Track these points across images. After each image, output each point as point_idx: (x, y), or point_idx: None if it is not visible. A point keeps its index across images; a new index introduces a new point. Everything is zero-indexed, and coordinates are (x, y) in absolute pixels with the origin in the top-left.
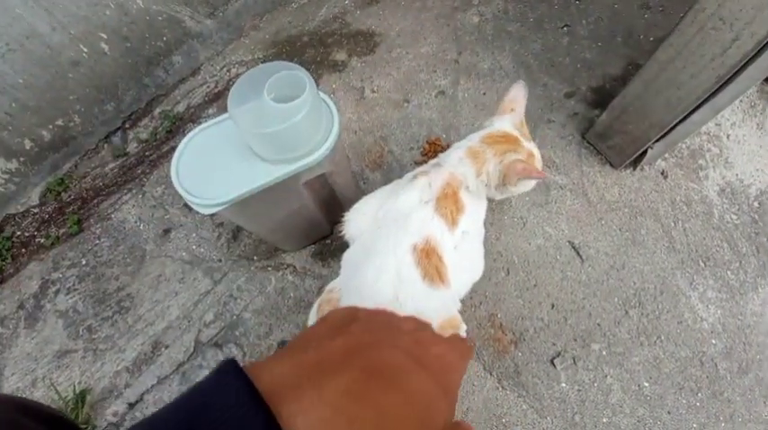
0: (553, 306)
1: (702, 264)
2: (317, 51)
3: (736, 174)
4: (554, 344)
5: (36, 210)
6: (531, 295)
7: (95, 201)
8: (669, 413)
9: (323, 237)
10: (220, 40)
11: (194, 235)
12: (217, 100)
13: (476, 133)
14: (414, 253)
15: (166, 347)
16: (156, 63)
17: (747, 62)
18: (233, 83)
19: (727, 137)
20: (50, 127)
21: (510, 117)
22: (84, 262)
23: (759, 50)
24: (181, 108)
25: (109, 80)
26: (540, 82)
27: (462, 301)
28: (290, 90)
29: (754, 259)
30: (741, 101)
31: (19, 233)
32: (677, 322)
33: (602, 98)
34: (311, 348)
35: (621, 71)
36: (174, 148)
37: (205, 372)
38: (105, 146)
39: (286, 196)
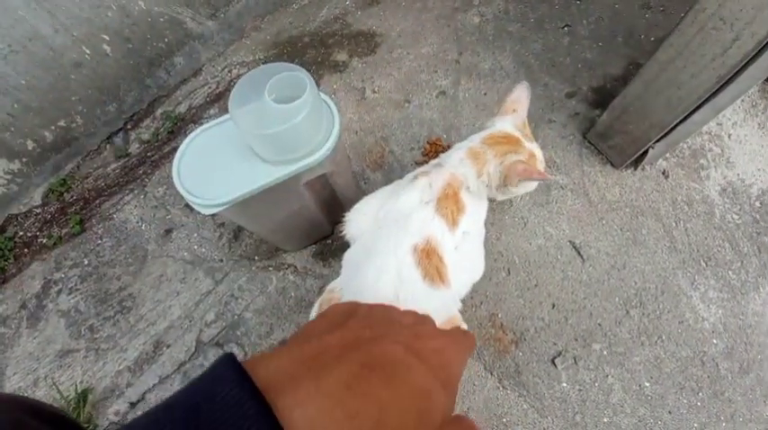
0: (554, 306)
1: (704, 264)
2: (317, 52)
3: (738, 174)
4: (555, 344)
5: (38, 211)
6: (532, 295)
7: (97, 201)
8: (670, 413)
9: (324, 237)
10: (222, 41)
11: (196, 235)
12: (218, 101)
13: (477, 134)
14: (414, 253)
15: (168, 347)
16: (157, 64)
17: (748, 62)
18: (234, 84)
19: (729, 136)
20: (53, 128)
21: (512, 118)
22: (86, 262)
23: (760, 50)
24: (182, 109)
25: (111, 81)
26: (540, 82)
27: (463, 301)
28: (290, 91)
29: (755, 259)
30: (742, 100)
31: (21, 233)
32: (678, 322)
33: (602, 98)
34: (310, 342)
35: (622, 71)
36: (175, 149)
37: None
38: (107, 146)
39: (287, 196)
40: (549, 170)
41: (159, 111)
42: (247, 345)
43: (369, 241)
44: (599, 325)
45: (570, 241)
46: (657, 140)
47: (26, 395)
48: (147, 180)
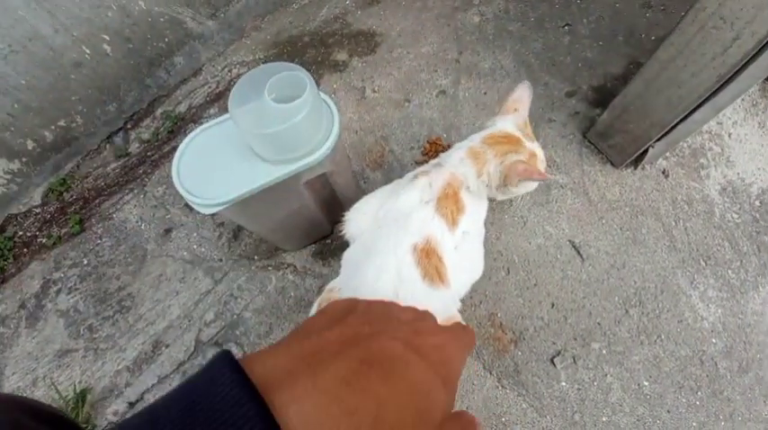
0: (553, 305)
1: (703, 263)
2: (317, 51)
3: (738, 173)
4: (554, 343)
5: (38, 210)
6: (532, 294)
7: (97, 201)
8: (669, 412)
9: (323, 236)
10: (222, 41)
11: (195, 234)
12: (218, 100)
13: (477, 133)
14: (414, 253)
15: (167, 346)
16: (157, 64)
17: (748, 61)
18: (234, 83)
19: (729, 135)
20: (53, 127)
21: (513, 117)
22: (85, 261)
23: (760, 49)
24: (182, 108)
25: (111, 81)
26: (541, 81)
27: (462, 301)
28: (290, 90)
29: (755, 258)
30: (742, 99)
31: (21, 233)
32: (677, 321)
33: (603, 97)
34: (309, 339)
35: (623, 70)
36: (175, 149)
37: None
38: (107, 146)
39: (287, 196)
40: (549, 169)
41: (159, 110)
42: (246, 345)
43: (368, 240)
44: (598, 324)
45: (570, 240)
46: (658, 139)
47: (25, 395)
48: (146, 180)
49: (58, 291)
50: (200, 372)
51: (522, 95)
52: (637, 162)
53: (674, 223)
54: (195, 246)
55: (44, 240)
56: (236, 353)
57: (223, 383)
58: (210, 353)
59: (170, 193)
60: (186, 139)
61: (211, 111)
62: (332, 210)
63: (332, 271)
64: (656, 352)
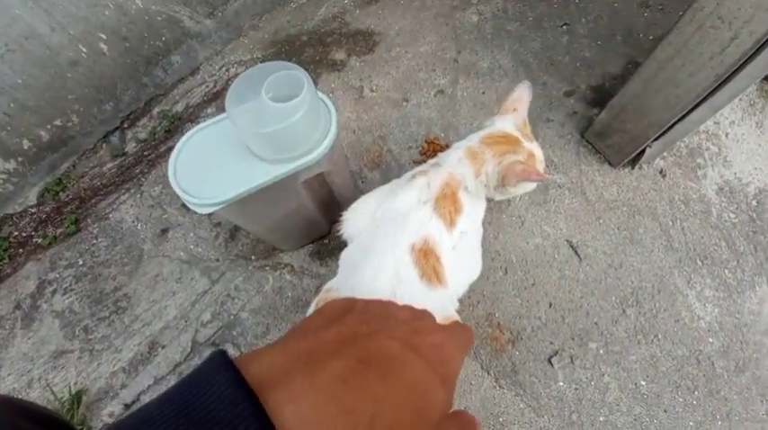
0: (551, 305)
1: (700, 263)
2: (315, 51)
3: (735, 173)
4: (551, 343)
5: (34, 210)
6: (529, 294)
7: (93, 200)
8: (666, 411)
9: (321, 236)
10: (219, 40)
11: (192, 234)
12: (215, 99)
13: (476, 133)
14: (412, 253)
15: (163, 347)
16: (154, 63)
17: (746, 61)
18: (232, 82)
19: (726, 135)
20: (49, 127)
21: (512, 117)
22: (81, 262)
23: (758, 49)
24: (179, 108)
25: (108, 80)
26: (539, 81)
27: (460, 301)
28: (288, 89)
29: (751, 258)
30: (740, 99)
31: (16, 233)
32: (674, 321)
33: (601, 97)
34: (306, 338)
35: (621, 70)
36: (172, 148)
37: None
38: (104, 145)
39: (284, 195)
40: (546, 169)
41: (156, 109)
42: (243, 346)
43: (366, 240)
44: (595, 324)
45: (567, 240)
46: (655, 139)
47: (20, 396)
48: (143, 179)
49: (54, 292)
50: (194, 372)
51: (522, 95)
52: (634, 162)
53: (671, 223)
54: (192, 247)
55: (40, 240)
56: (233, 353)
57: (218, 382)
58: (207, 353)
59: (167, 193)
60: (183, 139)
61: (209, 110)
62: (329, 209)
63: (329, 271)
64: (653, 351)
